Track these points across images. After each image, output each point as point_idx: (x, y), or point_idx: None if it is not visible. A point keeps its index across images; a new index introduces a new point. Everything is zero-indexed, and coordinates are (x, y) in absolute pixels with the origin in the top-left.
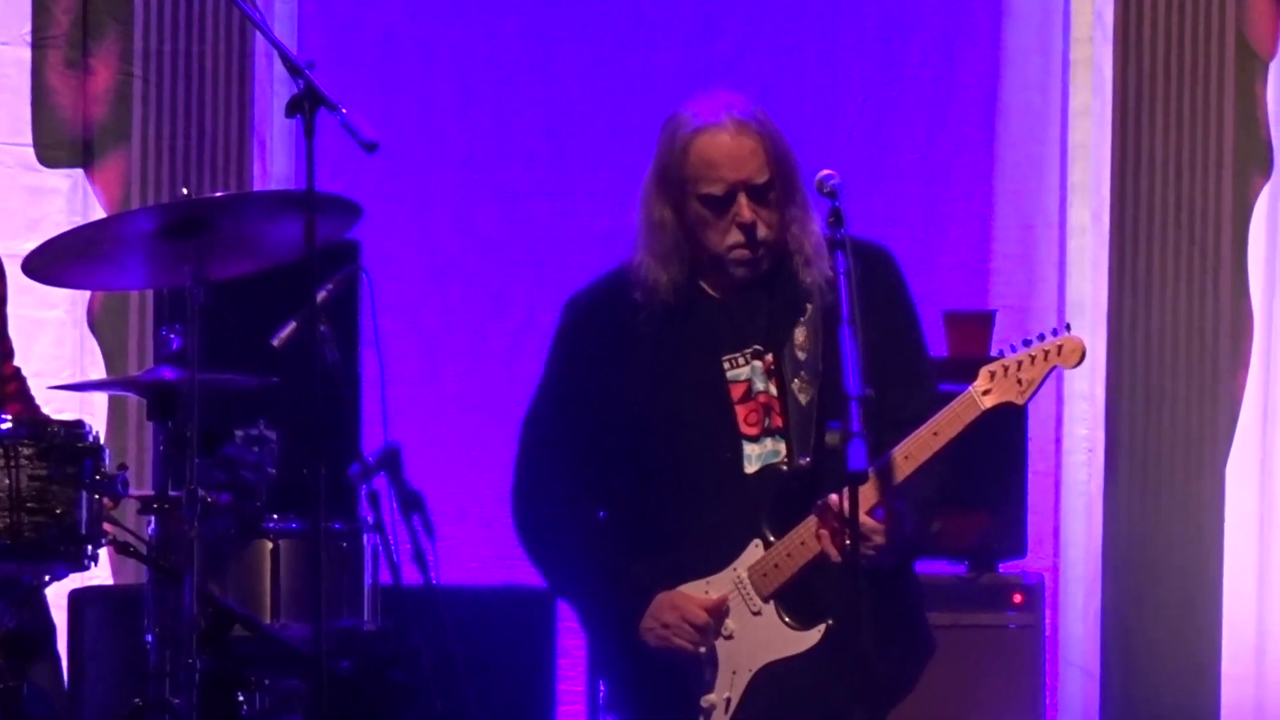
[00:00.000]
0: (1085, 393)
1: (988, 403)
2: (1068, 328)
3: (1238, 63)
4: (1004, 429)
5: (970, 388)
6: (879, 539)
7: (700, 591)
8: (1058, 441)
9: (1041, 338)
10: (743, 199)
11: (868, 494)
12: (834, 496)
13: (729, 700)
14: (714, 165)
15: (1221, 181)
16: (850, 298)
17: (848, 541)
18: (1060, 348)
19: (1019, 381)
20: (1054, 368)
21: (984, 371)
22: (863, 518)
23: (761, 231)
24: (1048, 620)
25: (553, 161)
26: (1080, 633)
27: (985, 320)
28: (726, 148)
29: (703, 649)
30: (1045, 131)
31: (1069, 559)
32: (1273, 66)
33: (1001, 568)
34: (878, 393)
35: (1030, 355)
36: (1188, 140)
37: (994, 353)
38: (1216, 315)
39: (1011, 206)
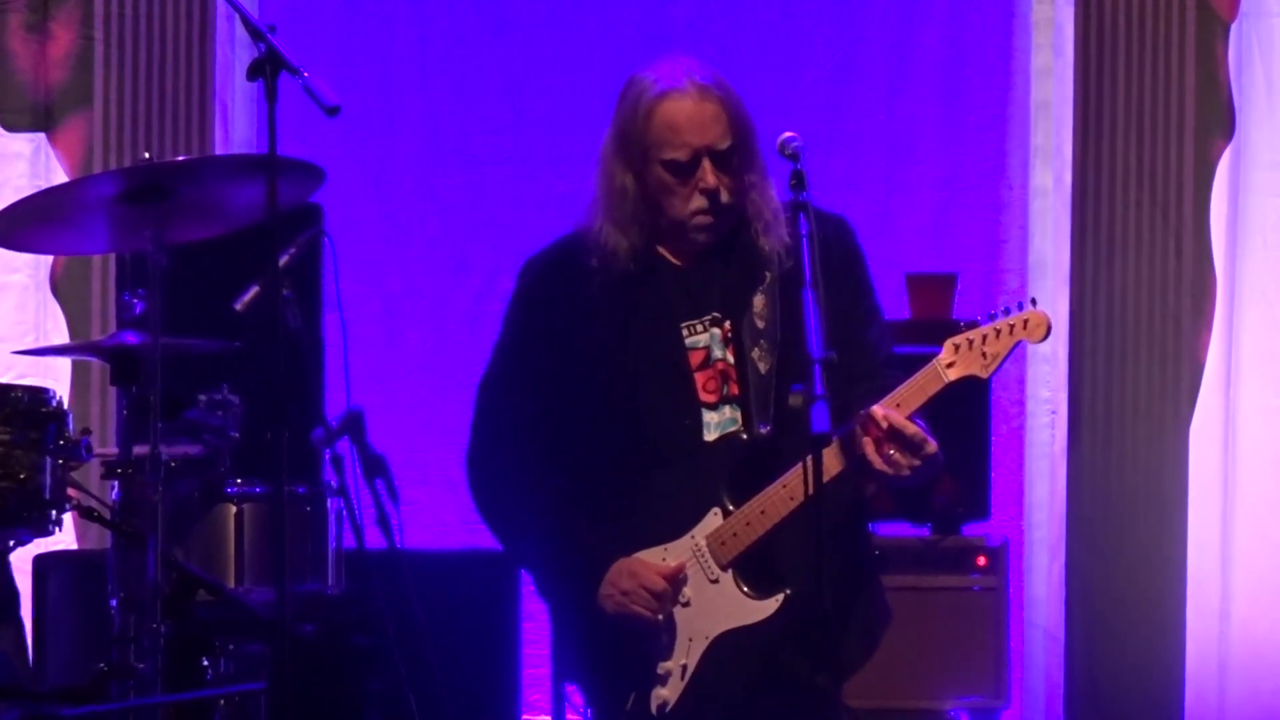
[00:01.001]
0: (1048, 354)
1: (952, 375)
2: (1033, 302)
3: (1199, 24)
4: (967, 392)
5: (934, 360)
6: (930, 448)
7: (658, 559)
8: (1021, 404)
9: (1007, 311)
10: (707, 164)
11: (832, 463)
12: (876, 407)
13: (685, 667)
14: (678, 130)
15: (1183, 143)
16: (813, 260)
17: (892, 451)
18: (1026, 322)
19: (984, 355)
20: (1019, 342)
21: (949, 344)
22: (915, 429)
23: (724, 197)
24: (1011, 582)
25: (512, 125)
26: (1044, 595)
27: (947, 282)
28: (690, 112)
29: (661, 616)
30: (1007, 93)
31: (1033, 521)
32: (1234, 28)
33: (965, 530)
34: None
35: (995, 329)
36: (1149, 101)
37: (955, 315)
38: (1179, 277)
39: (973, 168)
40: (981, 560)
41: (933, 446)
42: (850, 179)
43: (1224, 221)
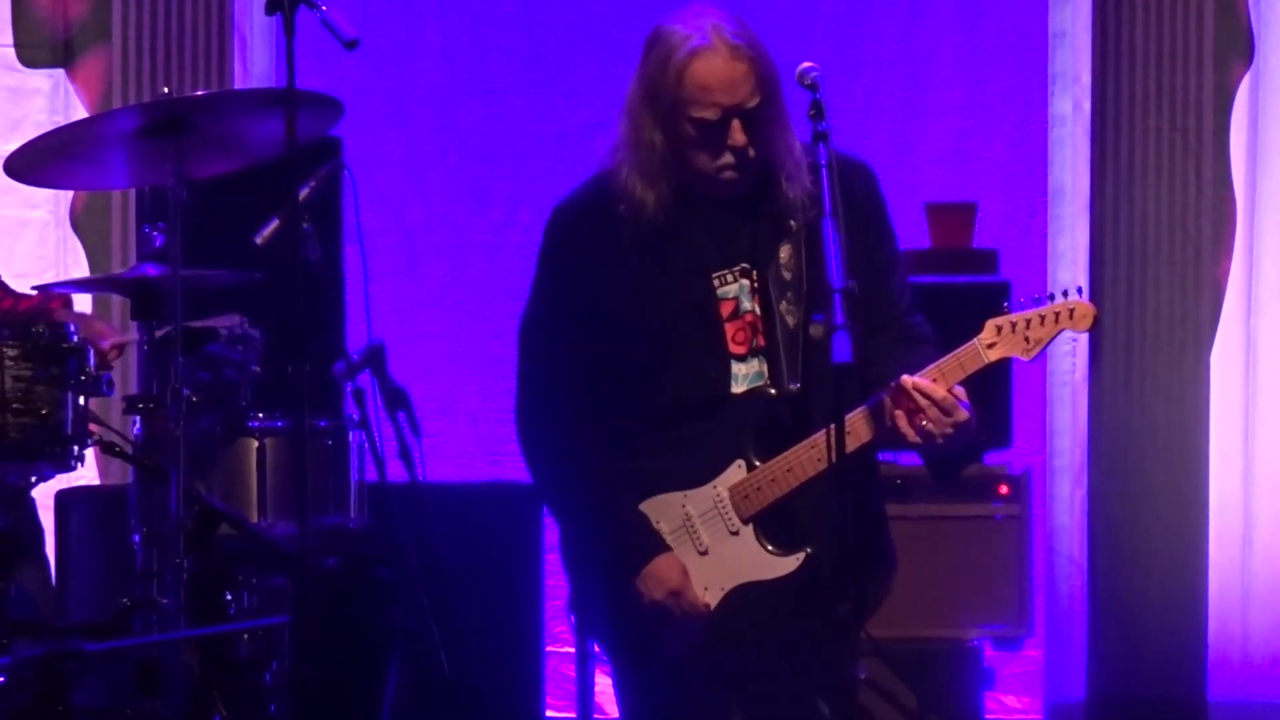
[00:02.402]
0: (1068, 283)
1: (992, 356)
2: (1080, 291)
3: None
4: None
5: (976, 340)
6: (961, 415)
7: (678, 504)
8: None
9: (1052, 297)
10: (736, 123)
11: (861, 431)
12: (907, 376)
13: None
14: (709, 90)
15: (1202, 69)
16: (832, 190)
17: (925, 422)
18: (1072, 311)
19: (1026, 339)
20: (1063, 330)
21: (990, 324)
22: (944, 393)
23: (752, 153)
24: (1034, 511)
25: (531, 56)
26: (1067, 523)
27: (967, 211)
28: (721, 73)
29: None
30: (1025, 20)
31: (1055, 449)
32: None
33: (987, 459)
34: (860, 310)
35: (1040, 315)
36: (1168, 28)
37: (975, 244)
38: (1199, 203)
39: (991, 96)
40: (1004, 489)
41: (964, 414)
42: (869, 108)
43: (1244, 148)
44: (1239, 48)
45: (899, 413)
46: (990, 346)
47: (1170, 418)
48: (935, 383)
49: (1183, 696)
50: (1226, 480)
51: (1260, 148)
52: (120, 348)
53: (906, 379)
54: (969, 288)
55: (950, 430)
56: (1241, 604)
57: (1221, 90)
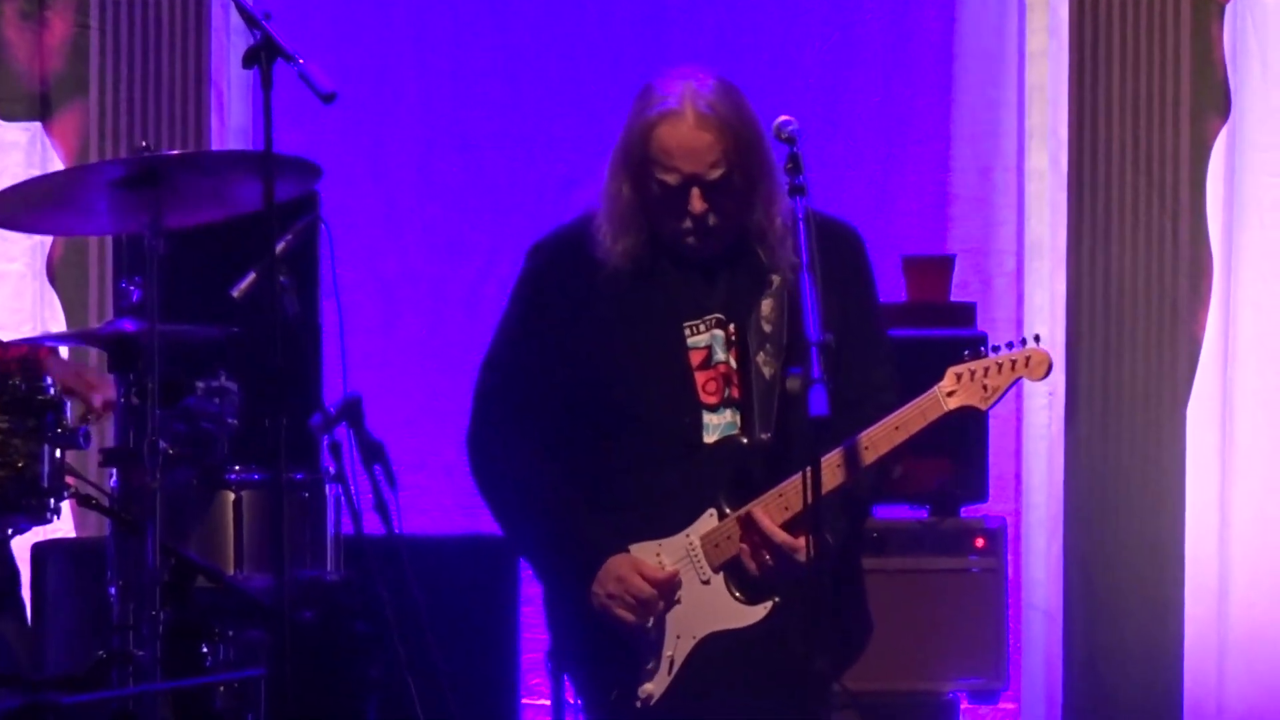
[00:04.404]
0: (1045, 337)
1: (951, 404)
2: (1036, 339)
3: (1194, 4)
4: None
5: (936, 387)
6: (797, 561)
7: (652, 554)
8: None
9: (1010, 346)
10: (695, 191)
11: (830, 476)
12: (758, 510)
13: (671, 661)
14: (669, 155)
15: (1179, 123)
16: (809, 243)
17: (766, 557)
18: (1028, 359)
19: (984, 387)
20: (1019, 379)
21: (950, 373)
22: (783, 538)
23: (712, 221)
24: (1010, 564)
25: (509, 109)
26: (1043, 576)
27: (944, 264)
28: (684, 140)
29: (649, 623)
30: (1002, 75)
31: (1031, 503)
32: (1229, 8)
33: (963, 512)
34: (836, 370)
35: (997, 363)
36: (1145, 82)
37: (952, 298)
38: (1176, 257)
39: (969, 150)
40: (980, 542)
41: (800, 558)
42: (848, 161)
43: (1220, 202)
44: (1216, 102)
45: (744, 546)
46: (950, 394)
47: (1146, 471)
48: (898, 430)
49: None
50: (1202, 533)
51: (1237, 202)
52: (111, 405)
53: (757, 512)
54: (946, 341)
55: (784, 570)
56: (1217, 655)
57: (1198, 144)
